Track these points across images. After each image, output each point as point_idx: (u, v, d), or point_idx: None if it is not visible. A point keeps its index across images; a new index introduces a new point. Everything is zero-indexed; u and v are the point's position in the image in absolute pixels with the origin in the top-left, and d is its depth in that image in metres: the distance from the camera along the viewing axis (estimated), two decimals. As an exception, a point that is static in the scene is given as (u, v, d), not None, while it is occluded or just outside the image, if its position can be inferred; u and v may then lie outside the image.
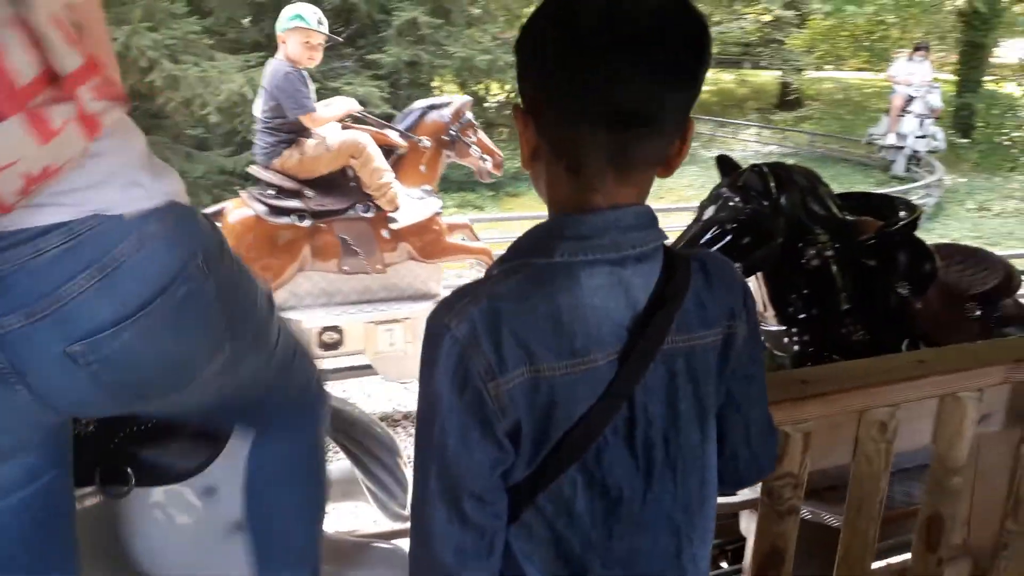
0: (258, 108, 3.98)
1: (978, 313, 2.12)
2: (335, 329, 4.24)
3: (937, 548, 1.42)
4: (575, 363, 0.80)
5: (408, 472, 1.80)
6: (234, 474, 1.41)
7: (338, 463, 1.81)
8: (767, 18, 17.02)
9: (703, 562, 0.94)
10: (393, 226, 4.17)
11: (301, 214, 3.99)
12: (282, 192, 3.99)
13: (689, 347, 0.86)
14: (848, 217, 1.97)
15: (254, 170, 4.05)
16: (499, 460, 0.81)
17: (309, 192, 4.00)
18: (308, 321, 4.06)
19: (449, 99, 4.57)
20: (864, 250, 1.95)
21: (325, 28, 3.96)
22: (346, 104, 4.15)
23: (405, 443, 2.67)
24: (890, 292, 1.96)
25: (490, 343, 0.79)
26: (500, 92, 12.91)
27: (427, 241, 4.29)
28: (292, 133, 3.91)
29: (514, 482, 0.83)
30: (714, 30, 17.52)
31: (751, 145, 14.54)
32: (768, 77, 18.66)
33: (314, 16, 3.89)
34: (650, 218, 0.84)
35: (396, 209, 4.15)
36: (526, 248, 0.85)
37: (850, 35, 17.13)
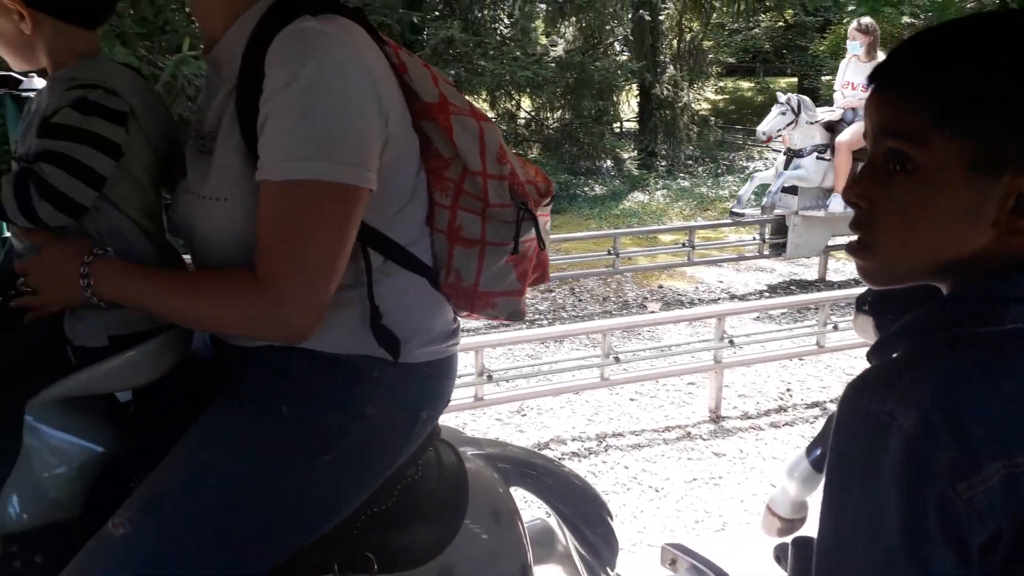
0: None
1: None
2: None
3: None
4: None
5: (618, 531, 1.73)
6: (471, 553, 1.36)
7: (533, 524, 1.73)
8: (782, 24, 16.96)
9: None
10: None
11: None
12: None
13: None
14: None
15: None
16: None
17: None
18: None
19: None
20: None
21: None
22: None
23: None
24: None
25: (954, 434, 0.66)
26: (532, 107, 12.86)
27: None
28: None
29: None
30: (732, 38, 17.59)
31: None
32: (787, 84, 18.56)
33: None
34: None
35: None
36: (958, 316, 0.74)
37: (887, 37, 16.95)
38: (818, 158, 6.51)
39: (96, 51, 1.16)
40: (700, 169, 12.74)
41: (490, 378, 3.82)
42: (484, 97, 12.22)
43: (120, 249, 1.12)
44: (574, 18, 12.76)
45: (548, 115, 12.85)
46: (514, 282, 1.27)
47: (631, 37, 13.61)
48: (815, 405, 4.48)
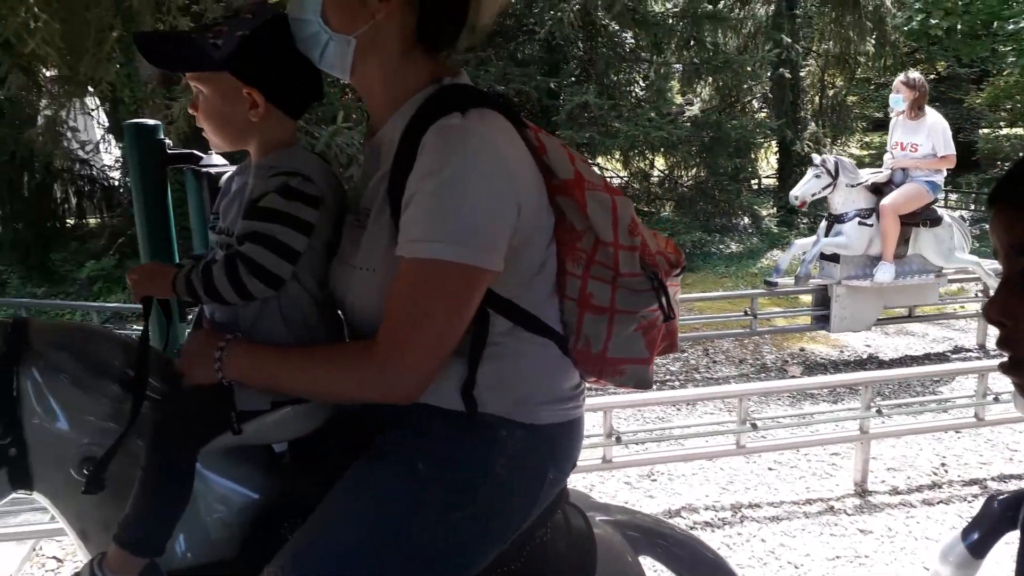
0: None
1: None
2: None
3: None
4: None
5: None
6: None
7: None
8: (934, 76, 16.17)
9: None
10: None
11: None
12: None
13: None
14: None
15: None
16: None
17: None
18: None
19: None
20: None
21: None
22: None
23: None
24: None
25: None
26: (665, 166, 12.85)
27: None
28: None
29: None
30: (879, 92, 16.93)
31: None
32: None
33: None
34: None
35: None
36: None
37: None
38: (860, 223, 5.95)
39: (294, 140, 1.31)
40: (844, 227, 12.25)
41: (619, 440, 3.80)
42: (618, 157, 12.35)
43: (295, 318, 1.25)
44: (711, 78, 12.72)
45: (682, 173, 12.80)
46: (642, 350, 1.30)
47: (770, 95, 13.40)
48: (973, 483, 4.14)
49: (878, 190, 6.06)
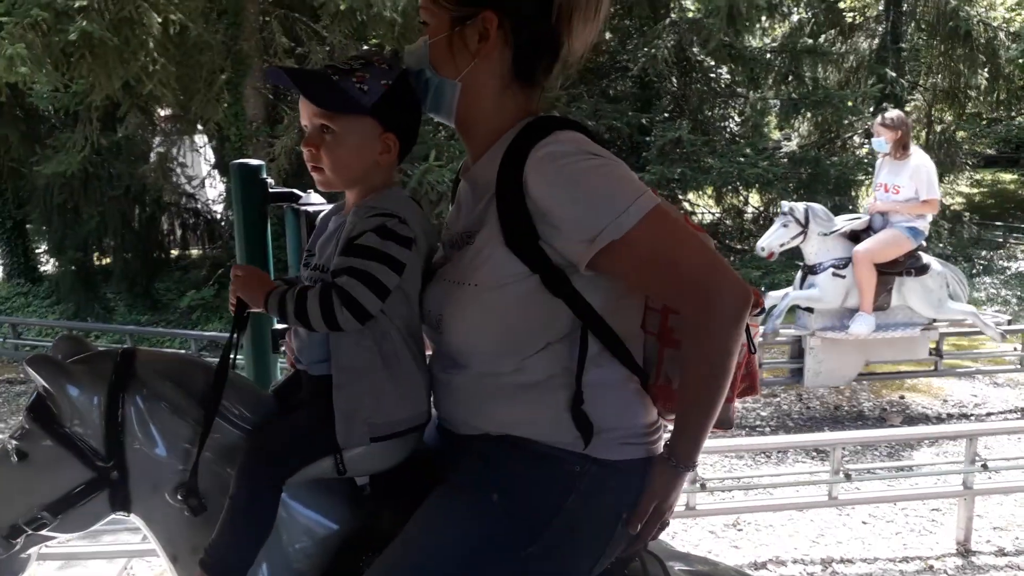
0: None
1: None
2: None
3: None
4: None
5: None
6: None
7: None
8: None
9: None
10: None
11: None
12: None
13: None
14: None
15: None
16: None
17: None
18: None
19: None
20: None
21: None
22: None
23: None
24: None
25: None
26: (760, 202, 12.60)
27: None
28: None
29: None
30: (991, 128, 16.16)
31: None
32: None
33: None
34: None
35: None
36: None
37: None
38: (834, 274, 5.50)
39: (392, 184, 1.37)
40: (952, 269, 11.68)
41: (703, 487, 3.70)
42: (710, 193, 12.19)
43: (387, 351, 1.29)
44: (809, 113, 12.43)
45: (778, 210, 12.50)
46: None
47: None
48: (1093, 549, 3.84)
49: (856, 237, 5.61)
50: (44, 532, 1.32)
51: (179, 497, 1.30)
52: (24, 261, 13.54)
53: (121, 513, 1.36)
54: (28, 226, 13.41)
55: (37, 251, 13.66)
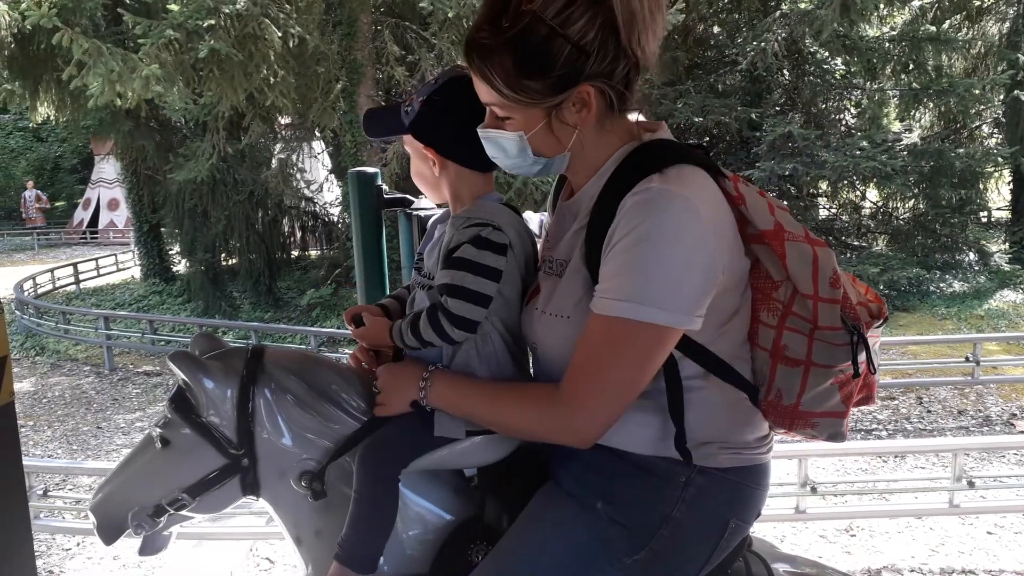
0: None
1: None
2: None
3: None
4: None
5: None
6: None
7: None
8: None
9: None
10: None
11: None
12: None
13: None
14: None
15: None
16: None
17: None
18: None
19: None
20: None
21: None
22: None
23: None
24: None
25: None
26: (879, 198, 12.05)
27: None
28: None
29: None
30: None
31: None
32: None
33: None
34: None
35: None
36: None
37: None
38: None
39: (489, 190, 1.43)
40: (1093, 266, 10.85)
41: (814, 490, 3.61)
42: (824, 190, 11.75)
43: (486, 353, 1.35)
44: (932, 103, 11.77)
45: (898, 205, 11.93)
46: (838, 404, 1.26)
47: (1003, 120, 12.19)
48: None
49: None
50: (183, 512, 1.43)
51: (303, 484, 1.39)
52: (159, 262, 14.64)
53: (251, 497, 1.45)
54: (162, 229, 14.45)
55: (170, 252, 14.70)
